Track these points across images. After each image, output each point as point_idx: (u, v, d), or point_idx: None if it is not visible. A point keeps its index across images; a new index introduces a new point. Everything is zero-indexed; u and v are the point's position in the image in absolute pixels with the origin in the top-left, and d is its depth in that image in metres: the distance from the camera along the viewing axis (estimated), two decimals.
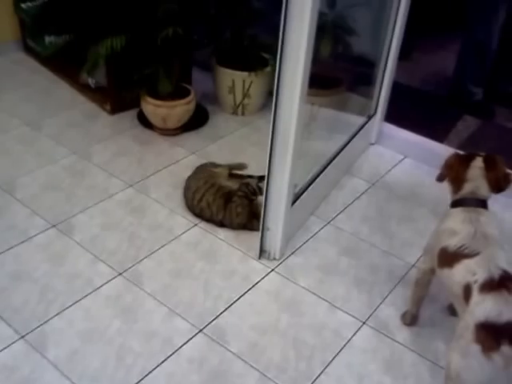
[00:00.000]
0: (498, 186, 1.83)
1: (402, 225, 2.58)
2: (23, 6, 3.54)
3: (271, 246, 2.30)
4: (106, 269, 2.22)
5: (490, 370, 1.51)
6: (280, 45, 1.81)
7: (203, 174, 2.57)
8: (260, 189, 2.40)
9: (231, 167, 2.65)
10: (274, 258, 2.31)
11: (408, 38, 2.95)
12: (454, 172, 1.86)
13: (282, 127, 2.00)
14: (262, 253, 2.31)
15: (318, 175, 2.53)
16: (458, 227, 1.77)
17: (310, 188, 2.44)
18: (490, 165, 1.84)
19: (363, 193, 2.77)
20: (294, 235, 2.45)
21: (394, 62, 2.91)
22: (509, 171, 1.86)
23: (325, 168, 2.59)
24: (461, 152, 1.94)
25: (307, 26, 1.76)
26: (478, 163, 1.83)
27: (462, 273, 1.68)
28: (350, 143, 2.83)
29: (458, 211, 1.81)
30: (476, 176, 1.83)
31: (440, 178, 1.94)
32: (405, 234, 2.53)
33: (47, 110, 3.22)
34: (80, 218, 2.46)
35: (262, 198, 2.21)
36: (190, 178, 2.61)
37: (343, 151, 2.75)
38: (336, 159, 2.68)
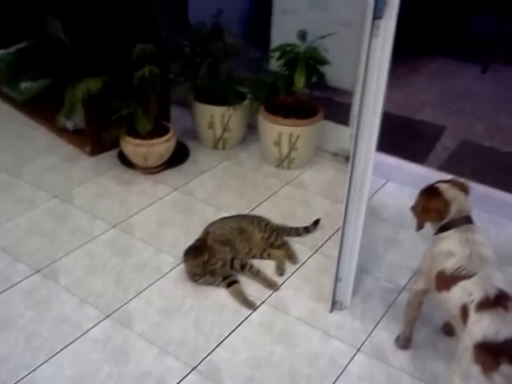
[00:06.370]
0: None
1: (390, 248, 2.58)
2: None
3: (342, 296, 2.22)
4: (93, 311, 2.17)
5: None
6: (359, 105, 1.85)
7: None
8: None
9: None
10: (345, 307, 2.25)
11: None
12: (435, 205, 1.86)
13: (358, 179, 1.97)
14: (334, 304, 2.23)
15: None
16: (454, 249, 1.77)
17: None
18: (454, 184, 1.90)
19: None
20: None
21: None
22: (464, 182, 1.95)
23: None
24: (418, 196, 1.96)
25: (382, 89, 1.82)
26: (445, 186, 1.88)
27: (458, 294, 1.68)
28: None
29: (452, 233, 1.81)
30: (456, 194, 1.86)
31: (420, 226, 1.95)
32: (393, 257, 2.53)
33: (26, 156, 3.20)
34: (64, 262, 2.42)
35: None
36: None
37: None
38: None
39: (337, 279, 2.17)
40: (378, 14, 1.69)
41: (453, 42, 4.83)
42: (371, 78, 1.79)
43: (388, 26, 1.72)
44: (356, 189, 1.98)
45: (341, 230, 2.06)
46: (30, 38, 3.52)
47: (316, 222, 2.67)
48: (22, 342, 2.03)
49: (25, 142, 3.35)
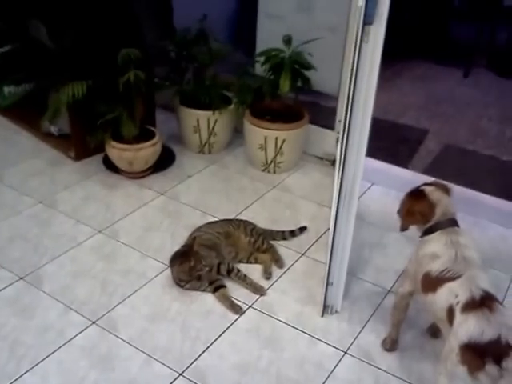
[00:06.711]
0: None
1: (375, 251, 2.59)
2: None
3: (333, 300, 2.22)
4: (78, 318, 2.15)
5: None
6: (348, 113, 1.85)
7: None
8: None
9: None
10: (336, 311, 2.25)
11: None
12: (420, 208, 1.87)
13: (348, 183, 1.96)
14: (326, 308, 2.23)
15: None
16: (439, 251, 1.78)
17: None
18: (439, 186, 1.92)
19: None
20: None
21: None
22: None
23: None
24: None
25: (372, 94, 1.82)
26: (429, 189, 1.90)
27: (444, 296, 1.69)
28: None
29: (438, 235, 1.83)
30: (440, 197, 1.88)
31: (404, 227, 1.96)
32: (378, 260, 2.54)
33: (9, 160, 3.16)
34: (49, 268, 2.39)
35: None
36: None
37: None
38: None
39: (328, 283, 2.17)
40: (368, 20, 1.70)
41: (436, 46, 4.88)
42: (361, 83, 1.79)
43: (378, 31, 1.72)
44: (346, 194, 1.98)
45: (331, 234, 2.06)
46: (14, 41, 3.48)
47: (302, 229, 2.68)
48: (5, 351, 2.00)
49: (8, 147, 3.31)
